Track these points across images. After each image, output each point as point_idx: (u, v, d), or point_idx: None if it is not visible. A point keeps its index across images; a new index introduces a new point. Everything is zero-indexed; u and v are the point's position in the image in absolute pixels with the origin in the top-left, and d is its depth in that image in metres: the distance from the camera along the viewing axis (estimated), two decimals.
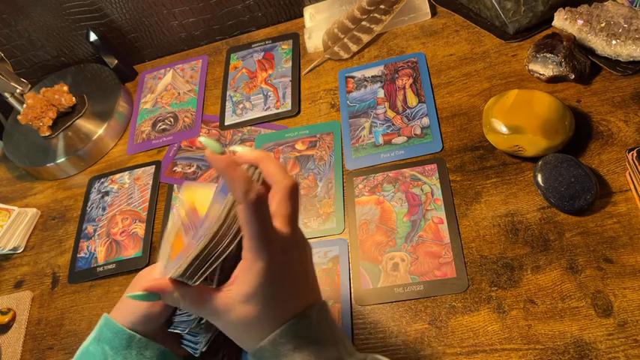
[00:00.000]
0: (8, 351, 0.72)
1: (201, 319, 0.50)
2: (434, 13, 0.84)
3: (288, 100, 0.83)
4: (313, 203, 0.71)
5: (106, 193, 0.84)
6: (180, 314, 0.55)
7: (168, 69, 0.98)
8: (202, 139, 0.41)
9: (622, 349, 0.51)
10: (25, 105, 0.89)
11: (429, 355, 0.56)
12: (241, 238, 0.42)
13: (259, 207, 0.39)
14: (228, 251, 0.42)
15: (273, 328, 0.41)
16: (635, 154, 0.56)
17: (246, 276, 0.41)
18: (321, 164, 0.75)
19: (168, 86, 0.95)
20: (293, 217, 0.42)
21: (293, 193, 0.42)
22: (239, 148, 0.43)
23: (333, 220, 0.69)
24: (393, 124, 0.74)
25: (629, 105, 0.65)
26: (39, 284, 0.78)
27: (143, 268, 0.73)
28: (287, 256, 0.42)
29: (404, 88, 0.78)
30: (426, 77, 0.78)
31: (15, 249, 0.83)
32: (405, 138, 0.73)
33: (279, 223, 0.41)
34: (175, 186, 0.80)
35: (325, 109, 0.81)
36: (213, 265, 0.42)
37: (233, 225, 0.42)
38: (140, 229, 0.78)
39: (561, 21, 0.72)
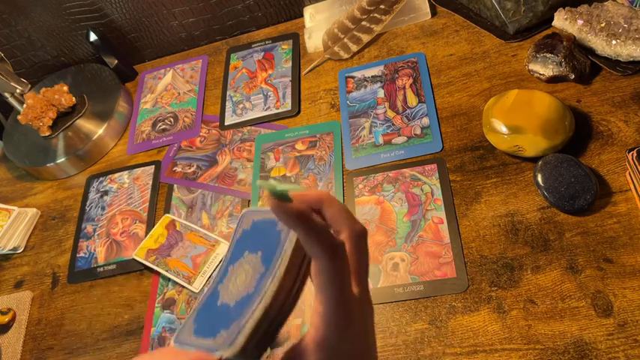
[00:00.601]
0: (8, 351, 0.72)
1: None
2: (434, 13, 0.84)
3: (288, 100, 0.83)
4: None
5: (105, 193, 0.84)
6: None
7: (168, 69, 0.98)
8: (260, 183, 0.31)
9: (622, 349, 0.51)
10: (25, 105, 0.89)
11: (429, 355, 0.56)
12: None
13: (343, 265, 0.32)
14: (290, 316, 0.35)
15: None
16: (635, 154, 0.56)
17: (317, 352, 0.32)
18: (321, 164, 0.75)
19: (168, 86, 0.95)
20: (365, 273, 0.35)
21: (363, 242, 0.34)
22: (290, 186, 0.33)
23: None
24: (393, 124, 0.74)
25: (629, 105, 0.65)
26: (39, 284, 0.78)
27: (143, 268, 0.73)
28: (362, 325, 0.34)
29: (404, 88, 0.78)
30: (426, 77, 0.77)
31: (15, 249, 0.83)
32: (405, 138, 0.73)
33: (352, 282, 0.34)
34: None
35: (325, 109, 0.81)
36: (275, 336, 0.34)
37: (294, 286, 0.34)
38: (140, 229, 0.78)
39: (561, 21, 0.72)
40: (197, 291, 0.69)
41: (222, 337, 0.33)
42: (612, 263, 0.56)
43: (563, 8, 0.72)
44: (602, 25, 0.68)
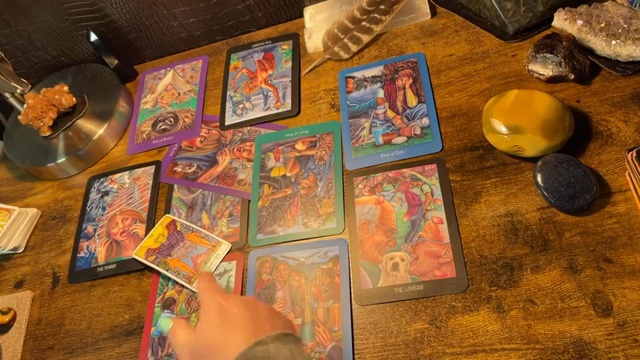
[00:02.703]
0: (9, 351, 0.72)
1: None
2: (434, 13, 0.84)
3: (288, 100, 0.84)
4: (313, 203, 0.71)
5: (106, 193, 0.84)
6: None
7: (168, 69, 0.98)
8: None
9: (621, 349, 0.51)
10: (25, 105, 0.89)
11: (429, 355, 0.56)
12: None
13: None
14: None
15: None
16: (634, 154, 0.56)
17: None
18: (321, 164, 0.75)
19: (168, 86, 0.95)
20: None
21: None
22: None
23: (333, 220, 0.69)
24: (393, 124, 0.75)
25: (628, 105, 0.65)
26: (39, 284, 0.78)
27: (143, 268, 0.73)
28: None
29: (404, 88, 0.78)
30: (426, 77, 0.78)
31: (15, 249, 0.83)
32: (405, 138, 0.73)
33: None
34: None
35: (325, 109, 0.81)
36: None
37: None
38: (140, 229, 0.78)
39: (561, 21, 0.72)
40: (197, 291, 0.69)
41: None
42: (612, 263, 0.56)
43: (563, 8, 0.72)
44: (602, 25, 0.68)
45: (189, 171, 0.81)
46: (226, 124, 0.85)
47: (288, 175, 0.75)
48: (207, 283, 0.50)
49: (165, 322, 0.57)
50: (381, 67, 0.81)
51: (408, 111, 0.75)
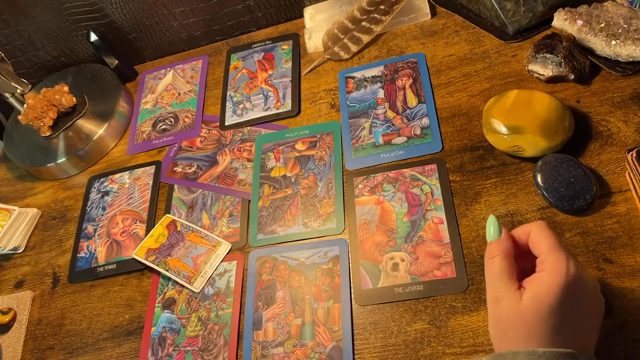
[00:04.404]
0: (9, 351, 0.73)
1: None
2: (434, 13, 0.85)
3: (288, 101, 0.84)
4: (313, 203, 0.71)
5: (106, 193, 0.84)
6: None
7: (168, 69, 0.98)
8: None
9: (621, 349, 0.51)
10: (25, 105, 0.89)
11: (429, 355, 0.56)
12: None
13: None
14: None
15: (539, 345, 0.40)
16: (634, 155, 0.56)
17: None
18: (321, 164, 0.75)
19: (168, 86, 0.95)
20: None
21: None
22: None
23: (333, 220, 0.69)
24: (393, 125, 0.75)
25: (628, 105, 0.65)
26: (39, 284, 0.78)
27: (143, 268, 0.73)
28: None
29: (404, 88, 0.78)
30: (426, 77, 0.78)
31: (15, 249, 0.83)
32: (405, 138, 0.73)
33: None
34: None
35: (325, 109, 0.81)
36: None
37: None
38: (141, 229, 0.78)
39: (561, 21, 0.72)
40: (197, 291, 0.69)
41: None
42: (612, 263, 0.56)
43: (563, 8, 0.72)
44: (602, 25, 0.68)
45: (190, 171, 0.81)
46: (226, 124, 0.85)
47: (288, 175, 0.75)
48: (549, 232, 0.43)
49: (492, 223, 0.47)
50: (381, 67, 0.81)
51: (408, 111, 0.75)
